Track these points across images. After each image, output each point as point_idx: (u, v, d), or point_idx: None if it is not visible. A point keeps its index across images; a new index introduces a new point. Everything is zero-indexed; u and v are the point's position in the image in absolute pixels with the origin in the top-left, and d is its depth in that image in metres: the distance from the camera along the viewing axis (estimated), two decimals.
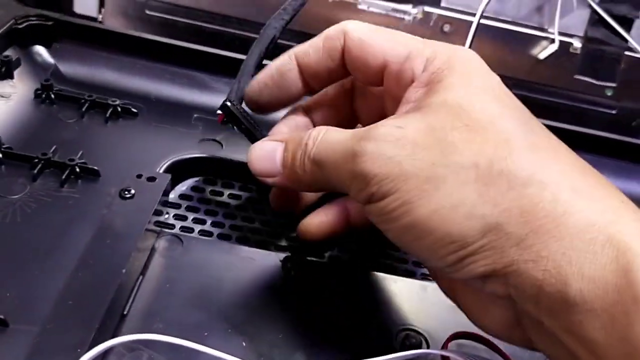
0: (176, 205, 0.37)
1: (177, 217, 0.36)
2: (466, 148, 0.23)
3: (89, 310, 0.26)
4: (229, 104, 0.30)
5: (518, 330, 0.25)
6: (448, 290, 0.28)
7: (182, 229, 0.36)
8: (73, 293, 0.27)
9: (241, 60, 0.42)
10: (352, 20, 0.29)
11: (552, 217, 0.22)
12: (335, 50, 0.29)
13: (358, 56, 0.28)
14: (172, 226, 0.36)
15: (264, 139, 0.31)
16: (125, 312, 0.30)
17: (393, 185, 0.24)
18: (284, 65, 0.30)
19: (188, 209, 0.37)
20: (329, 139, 0.27)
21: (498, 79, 0.26)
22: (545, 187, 0.22)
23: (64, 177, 0.33)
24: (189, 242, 0.34)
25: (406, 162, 0.24)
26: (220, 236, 0.36)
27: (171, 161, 0.36)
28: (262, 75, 0.31)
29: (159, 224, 0.35)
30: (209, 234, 0.36)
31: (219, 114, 0.31)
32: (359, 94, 0.32)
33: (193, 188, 0.38)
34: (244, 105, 0.32)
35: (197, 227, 0.36)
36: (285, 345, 0.30)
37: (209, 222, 0.36)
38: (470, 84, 0.25)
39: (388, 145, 0.24)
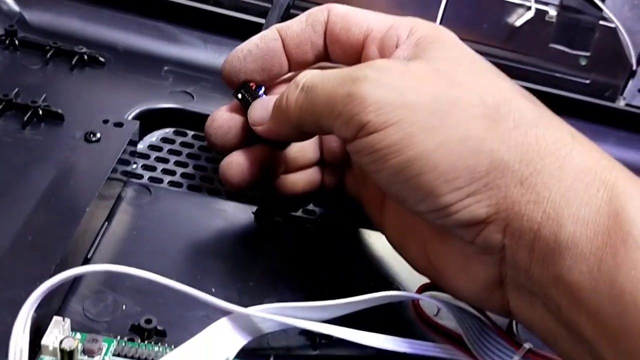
0: (145, 156, 0.36)
1: (146, 167, 0.35)
2: (472, 88, 0.23)
3: (49, 247, 0.25)
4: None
5: (497, 292, 0.24)
6: (418, 253, 0.27)
7: (151, 179, 0.35)
8: (33, 230, 0.25)
9: (215, 14, 0.41)
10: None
11: (556, 157, 0.22)
12: (318, 23, 0.29)
13: (342, 27, 0.28)
14: (141, 176, 0.34)
15: None
16: (89, 256, 0.29)
17: (394, 115, 0.22)
18: (268, 36, 0.29)
19: (157, 159, 0.36)
20: (324, 72, 0.25)
21: None
22: (548, 129, 0.23)
23: (25, 119, 0.31)
24: (157, 192, 0.33)
25: (411, 93, 0.22)
26: (191, 187, 0.35)
27: (140, 110, 0.35)
28: (245, 44, 0.29)
29: (126, 173, 0.33)
30: (178, 185, 0.35)
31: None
32: None
33: (163, 139, 0.37)
34: None
35: (167, 178, 0.35)
36: (255, 292, 0.29)
37: (178, 173, 0.35)
38: (462, 49, 0.26)
39: (393, 76, 0.23)
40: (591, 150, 0.23)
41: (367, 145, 0.23)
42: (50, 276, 0.23)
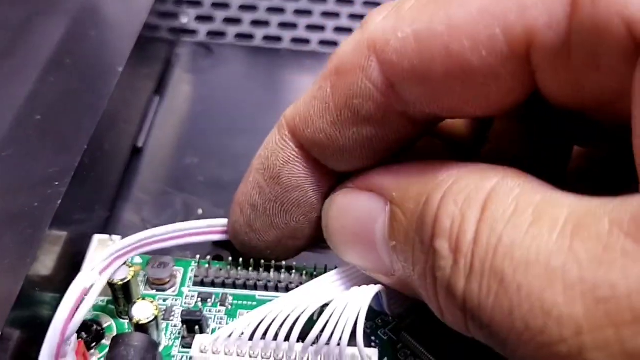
0: (196, 3, 0.26)
1: (201, 18, 0.26)
2: None
3: (68, 129, 0.15)
4: None
5: None
6: None
7: (210, 34, 0.25)
8: (40, 106, 0.16)
9: None
10: None
11: None
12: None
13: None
14: (195, 32, 0.25)
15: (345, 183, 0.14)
16: (139, 145, 0.20)
17: None
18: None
19: (215, 6, 0.26)
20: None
21: None
22: None
23: None
24: (221, 50, 0.24)
25: None
26: (267, 39, 0.24)
27: None
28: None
29: (174, 30, 0.24)
30: (249, 37, 0.25)
31: None
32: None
33: None
34: None
35: (232, 30, 0.25)
36: None
37: (247, 21, 0.25)
38: None
39: None
40: None
41: None
42: (73, 172, 0.14)
